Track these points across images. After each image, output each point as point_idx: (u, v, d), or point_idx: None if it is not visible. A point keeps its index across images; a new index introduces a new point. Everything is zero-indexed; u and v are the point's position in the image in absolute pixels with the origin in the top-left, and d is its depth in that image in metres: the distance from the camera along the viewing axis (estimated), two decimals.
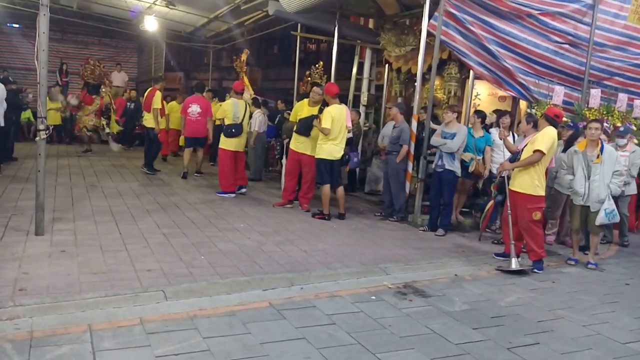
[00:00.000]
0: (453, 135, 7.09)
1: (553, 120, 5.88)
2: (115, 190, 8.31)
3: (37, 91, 5.39)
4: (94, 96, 12.64)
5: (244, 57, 14.39)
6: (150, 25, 13.91)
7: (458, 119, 7.37)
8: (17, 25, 18.50)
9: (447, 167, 7.12)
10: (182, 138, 11.45)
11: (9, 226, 5.73)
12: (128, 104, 14.67)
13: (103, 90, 13.16)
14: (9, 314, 3.61)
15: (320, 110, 7.73)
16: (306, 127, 7.75)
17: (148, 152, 10.59)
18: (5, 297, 3.83)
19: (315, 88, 8.11)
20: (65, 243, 5.28)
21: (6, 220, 5.96)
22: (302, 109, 7.98)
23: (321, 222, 7.31)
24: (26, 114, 13.28)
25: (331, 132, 7.35)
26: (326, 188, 7.51)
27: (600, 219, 6.12)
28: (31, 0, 14.21)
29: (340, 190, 7.68)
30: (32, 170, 9.20)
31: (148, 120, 10.42)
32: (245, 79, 14.23)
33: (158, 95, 10.31)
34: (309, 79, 12.16)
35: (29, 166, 9.89)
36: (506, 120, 7.40)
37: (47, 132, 5.43)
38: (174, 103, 12.82)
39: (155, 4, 12.98)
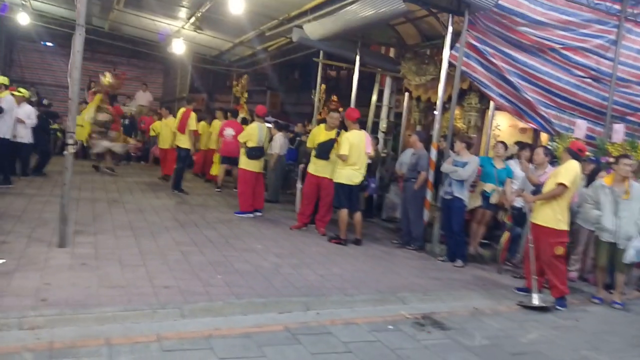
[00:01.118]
0: (464, 164, 7.09)
1: (576, 154, 5.82)
2: (135, 206, 8.43)
3: (68, 106, 5.55)
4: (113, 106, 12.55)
5: (243, 81, 14.63)
6: (178, 48, 14.26)
7: (472, 148, 7.38)
8: (50, 44, 19.09)
9: (455, 194, 7.09)
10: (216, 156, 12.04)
11: (32, 237, 5.85)
12: (122, 120, 14.07)
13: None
14: (31, 323, 3.67)
15: (338, 134, 7.82)
16: (326, 150, 7.82)
17: (179, 174, 10.67)
18: (27, 306, 3.90)
19: (332, 113, 8.21)
20: (86, 256, 5.36)
21: (30, 231, 6.08)
22: (319, 134, 8.05)
23: (337, 247, 7.31)
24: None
25: (349, 158, 7.39)
26: (343, 213, 7.53)
27: (629, 257, 5.92)
28: (65, 20, 14.72)
29: (358, 215, 7.68)
30: (57, 183, 9.42)
31: (182, 141, 10.58)
32: (244, 104, 14.44)
33: (193, 116, 10.53)
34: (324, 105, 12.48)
35: (54, 179, 10.10)
36: (526, 153, 7.38)
37: (76, 147, 5.57)
38: (203, 123, 12.91)
39: (184, 28, 13.31)
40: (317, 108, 12.82)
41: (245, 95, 14.60)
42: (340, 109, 12.42)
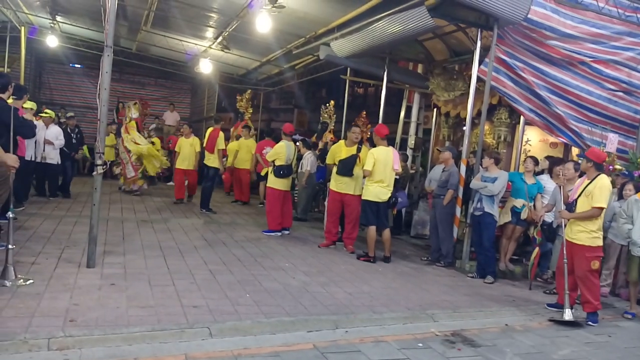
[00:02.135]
0: (494, 180, 7.01)
1: (601, 166, 5.79)
2: (164, 226, 8.49)
3: (97, 127, 5.63)
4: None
5: (247, 96, 14.72)
6: (205, 67, 14.45)
7: (501, 163, 7.28)
8: (79, 66, 19.58)
9: (486, 210, 7.00)
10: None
11: (62, 257, 5.91)
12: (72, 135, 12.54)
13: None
14: (60, 344, 3.68)
15: (359, 149, 7.78)
16: (348, 167, 7.79)
17: (207, 193, 10.75)
18: (57, 327, 3.91)
19: (353, 128, 8.21)
20: (115, 276, 5.39)
21: (60, 251, 6.15)
22: (339, 151, 8.02)
23: (366, 265, 7.23)
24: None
25: (375, 174, 7.33)
26: (372, 230, 7.45)
27: None
28: (93, 42, 15.10)
29: (387, 232, 7.59)
30: (86, 204, 9.58)
31: (211, 160, 10.72)
32: (249, 121, 14.51)
33: (221, 135, 10.68)
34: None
35: (83, 200, 10.27)
36: (561, 169, 7.19)
37: (105, 167, 5.63)
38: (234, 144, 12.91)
39: (211, 48, 13.50)
40: (326, 125, 12.87)
41: (250, 110, 14.69)
42: (369, 126, 12.50)
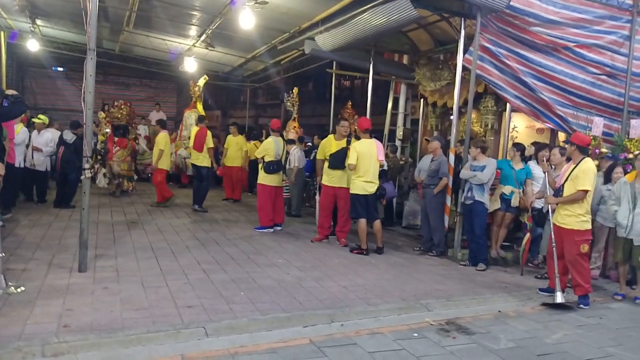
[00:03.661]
0: (482, 168, 7.05)
1: (586, 149, 5.84)
2: (155, 227, 8.46)
3: (84, 131, 5.57)
4: (126, 138, 12.27)
5: (201, 82, 14.68)
6: (190, 66, 14.36)
7: (488, 151, 7.33)
8: (61, 69, 19.38)
9: (476, 198, 7.06)
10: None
11: (53, 263, 5.87)
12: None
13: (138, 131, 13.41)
14: (54, 350, 3.66)
15: (348, 142, 7.83)
16: (339, 160, 7.82)
17: (198, 191, 10.71)
18: (50, 333, 3.89)
19: (342, 122, 8.25)
20: (108, 279, 5.36)
21: (51, 257, 6.11)
22: (329, 145, 8.07)
23: (359, 257, 7.25)
24: None
25: (359, 167, 7.35)
26: (362, 222, 7.47)
27: None
28: (75, 44, 14.94)
29: (377, 224, 7.60)
30: (75, 208, 9.49)
31: (200, 160, 10.65)
32: (199, 106, 14.53)
33: (209, 134, 10.65)
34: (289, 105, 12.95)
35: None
36: (546, 154, 7.25)
37: (92, 170, 5.59)
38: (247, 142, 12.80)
39: (195, 46, 13.42)
40: (290, 113, 12.94)
41: (198, 94, 14.67)
42: (355, 116, 12.51)
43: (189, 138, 12.42)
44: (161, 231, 8.15)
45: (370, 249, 7.53)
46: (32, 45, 13.79)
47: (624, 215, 6.13)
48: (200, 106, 14.69)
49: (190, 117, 14.08)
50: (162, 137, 10.90)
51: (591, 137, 6.97)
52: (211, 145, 10.62)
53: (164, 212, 10.07)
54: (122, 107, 12.96)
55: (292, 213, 10.45)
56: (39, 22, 13.08)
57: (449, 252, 7.68)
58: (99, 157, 12.16)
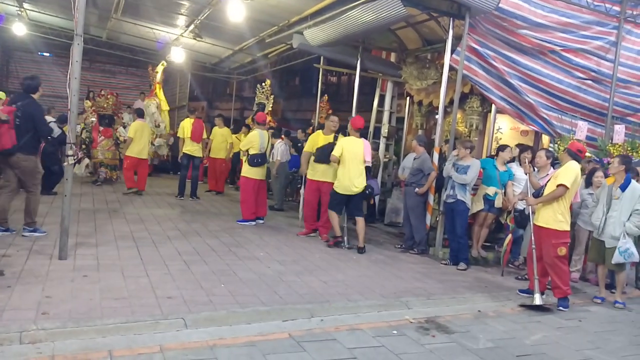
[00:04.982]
0: (466, 168, 7.09)
1: (576, 155, 5.86)
2: (137, 216, 8.40)
3: (68, 117, 5.52)
4: (111, 128, 12.33)
5: (159, 68, 14.64)
6: (177, 56, 14.24)
7: (473, 151, 7.40)
8: (47, 54, 19.11)
9: (459, 197, 7.09)
10: None
11: (33, 249, 5.81)
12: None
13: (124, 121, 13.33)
14: (32, 337, 3.63)
15: (336, 138, 7.86)
16: (325, 154, 7.83)
17: (194, 181, 11.01)
18: (29, 320, 3.85)
19: (332, 117, 8.30)
20: (88, 268, 5.32)
21: (31, 243, 6.04)
22: (317, 139, 8.11)
23: (341, 253, 7.27)
24: None
25: (343, 162, 7.38)
26: (332, 212, 7.53)
27: (616, 257, 5.97)
28: (63, 30, 14.73)
29: (361, 222, 7.57)
30: (57, 195, 9.38)
31: (197, 150, 10.90)
32: (159, 93, 14.48)
33: (203, 126, 10.95)
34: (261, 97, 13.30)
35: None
36: (528, 156, 7.31)
37: (75, 157, 5.54)
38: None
39: (183, 36, 13.31)
40: (262, 105, 13.06)
41: (157, 80, 14.63)
42: (330, 111, 12.57)
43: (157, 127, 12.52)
44: (143, 221, 8.09)
45: (352, 247, 7.54)
46: (19, 29, 13.57)
47: (597, 217, 6.23)
48: (160, 93, 14.61)
49: (150, 105, 13.98)
50: (134, 125, 11.04)
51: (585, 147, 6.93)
52: (205, 136, 10.97)
53: (145, 202, 10.01)
54: (109, 97, 12.87)
55: (275, 207, 10.45)
56: (26, 5, 12.88)
57: (431, 251, 7.74)
58: (83, 146, 12.05)
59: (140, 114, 11.55)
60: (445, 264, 7.24)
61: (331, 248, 7.48)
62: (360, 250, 7.45)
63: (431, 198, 7.72)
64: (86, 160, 12.03)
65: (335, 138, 7.89)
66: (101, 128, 12.08)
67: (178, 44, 14.11)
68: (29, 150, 6.23)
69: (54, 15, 13.79)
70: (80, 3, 5.38)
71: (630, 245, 5.98)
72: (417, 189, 7.66)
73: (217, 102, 21.33)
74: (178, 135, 11.32)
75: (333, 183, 7.69)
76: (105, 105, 12.74)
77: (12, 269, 5.00)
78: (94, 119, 12.60)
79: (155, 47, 15.62)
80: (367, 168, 7.75)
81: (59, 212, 5.61)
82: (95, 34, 15.49)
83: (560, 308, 5.75)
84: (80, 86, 5.57)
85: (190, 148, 10.89)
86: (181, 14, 11.75)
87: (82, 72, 5.55)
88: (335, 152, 7.40)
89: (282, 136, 11.30)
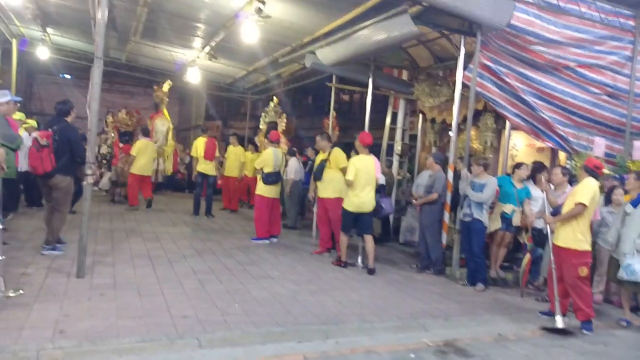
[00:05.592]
0: (482, 186, 7.01)
1: (593, 172, 5.74)
2: (153, 235, 8.47)
3: (87, 137, 5.63)
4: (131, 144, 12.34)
5: (165, 87, 14.79)
6: (193, 77, 14.46)
7: (489, 169, 7.35)
8: (68, 76, 19.49)
9: (475, 216, 7.00)
10: None
11: (51, 268, 5.87)
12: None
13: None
14: (49, 356, 3.66)
15: (330, 154, 7.93)
16: (318, 171, 7.97)
17: (208, 199, 11.13)
18: (46, 338, 3.89)
19: (317, 137, 8.34)
20: (105, 286, 5.36)
21: (50, 262, 6.11)
22: (317, 158, 8.28)
23: (355, 272, 7.23)
24: None
25: (356, 183, 7.27)
26: (343, 235, 7.49)
27: (619, 272, 5.84)
28: (83, 53, 15.05)
29: (370, 242, 7.36)
30: (75, 214, 9.47)
31: (210, 169, 11.04)
32: (165, 111, 14.65)
33: (216, 144, 11.16)
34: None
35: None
36: (545, 175, 7.21)
37: (94, 177, 5.63)
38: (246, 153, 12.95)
39: (199, 57, 13.52)
40: (274, 124, 13.24)
41: (166, 100, 14.80)
42: (337, 128, 12.56)
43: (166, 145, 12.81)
44: (159, 239, 8.15)
45: (365, 266, 7.42)
46: (42, 53, 13.93)
47: (612, 234, 6.12)
48: (165, 112, 14.87)
49: (163, 124, 14.24)
50: (138, 143, 11.33)
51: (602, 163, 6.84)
52: (217, 154, 11.14)
53: (161, 220, 10.09)
54: (133, 115, 13.15)
55: (288, 225, 10.45)
56: (49, 30, 13.22)
57: (447, 271, 7.60)
58: (104, 161, 12.32)
59: (145, 132, 11.82)
60: (463, 285, 7.12)
61: (345, 267, 7.42)
62: (371, 271, 7.26)
63: (447, 216, 7.64)
64: (108, 174, 12.31)
65: (329, 154, 7.94)
66: (121, 145, 12.29)
67: (194, 65, 14.33)
68: (66, 171, 6.46)
69: (75, 39, 14.12)
70: (101, 27, 5.54)
71: (634, 262, 5.76)
72: (413, 200, 7.72)
73: (231, 121, 21.52)
74: (192, 154, 11.50)
75: (332, 198, 7.76)
76: (128, 123, 13.01)
77: (31, 287, 5.06)
78: (113, 134, 12.88)
79: (172, 69, 15.87)
80: (381, 186, 7.73)
81: (77, 231, 5.68)
82: (114, 57, 15.79)
83: (584, 331, 5.55)
84: (100, 107, 5.69)
85: (204, 166, 11.03)
86: (197, 36, 11.95)
87: (101, 93, 5.67)
88: (349, 176, 7.28)
89: (297, 154, 11.34)
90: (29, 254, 6.40)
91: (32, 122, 10.16)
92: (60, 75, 19.36)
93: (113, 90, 20.33)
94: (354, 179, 7.26)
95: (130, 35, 12.33)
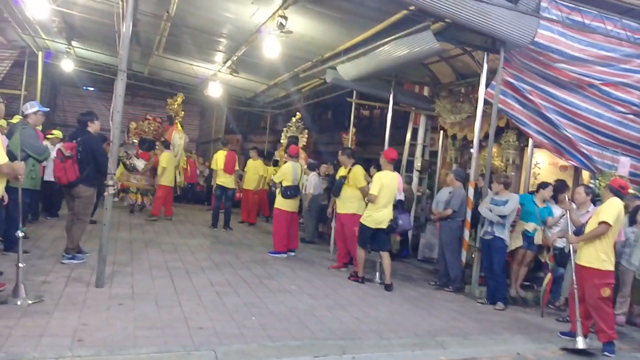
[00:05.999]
0: (504, 203, 6.95)
1: (618, 192, 5.65)
2: (172, 246, 8.50)
3: (110, 149, 5.69)
4: (150, 152, 12.64)
5: (179, 100, 14.84)
6: (214, 90, 14.61)
7: (511, 187, 7.27)
8: (92, 89, 19.84)
9: (496, 234, 6.92)
10: None
11: (71, 277, 5.92)
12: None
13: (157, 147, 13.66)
14: None
15: (349, 171, 7.89)
16: (337, 188, 7.95)
17: (227, 212, 11.20)
18: (65, 346, 3.91)
19: (340, 151, 8.33)
20: (123, 296, 5.38)
21: (70, 271, 6.16)
22: (338, 173, 8.24)
23: (373, 288, 7.18)
24: None
25: (379, 199, 7.20)
26: (361, 251, 7.40)
27: None
28: (107, 66, 15.33)
29: (387, 258, 7.30)
30: (96, 225, 9.56)
31: (229, 182, 11.14)
32: (179, 125, 14.69)
33: (236, 158, 11.29)
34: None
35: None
36: (567, 194, 7.10)
37: (115, 188, 5.69)
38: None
39: (220, 72, 13.67)
40: (295, 139, 13.24)
41: (182, 114, 14.82)
42: (355, 142, 12.56)
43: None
44: (177, 250, 8.19)
45: (383, 282, 7.36)
46: (67, 65, 14.22)
47: (637, 257, 6.00)
48: (179, 125, 14.94)
49: (181, 137, 14.27)
50: (165, 156, 11.52)
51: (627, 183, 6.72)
52: (237, 168, 11.25)
53: (180, 232, 10.14)
54: (152, 122, 13.27)
55: (306, 239, 10.43)
56: (74, 43, 13.51)
57: (466, 289, 7.51)
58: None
59: (166, 145, 12.02)
60: (482, 303, 7.02)
61: (363, 283, 7.37)
62: (388, 288, 7.19)
63: (467, 234, 7.56)
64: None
65: (349, 171, 7.88)
66: (140, 151, 12.41)
67: (215, 79, 14.48)
68: (90, 182, 6.58)
69: (99, 52, 14.39)
70: (125, 41, 5.64)
71: None
72: (432, 216, 7.62)
73: (251, 135, 21.65)
74: (211, 167, 11.60)
75: (349, 214, 7.75)
76: (146, 130, 13.14)
77: (51, 295, 5.10)
78: (135, 141, 13.02)
79: (193, 82, 16.07)
80: (399, 202, 7.68)
81: (97, 240, 5.73)
82: (137, 70, 16.05)
83: (606, 354, 5.42)
84: (123, 119, 5.76)
85: (223, 180, 11.11)
86: (219, 51, 12.09)
87: (124, 105, 5.74)
88: (374, 191, 7.21)
89: (316, 169, 11.34)
90: (49, 262, 6.47)
91: (58, 133, 10.34)
92: (84, 88, 19.68)
93: (135, 102, 20.58)
94: (378, 195, 7.21)
95: (153, 49, 12.53)
